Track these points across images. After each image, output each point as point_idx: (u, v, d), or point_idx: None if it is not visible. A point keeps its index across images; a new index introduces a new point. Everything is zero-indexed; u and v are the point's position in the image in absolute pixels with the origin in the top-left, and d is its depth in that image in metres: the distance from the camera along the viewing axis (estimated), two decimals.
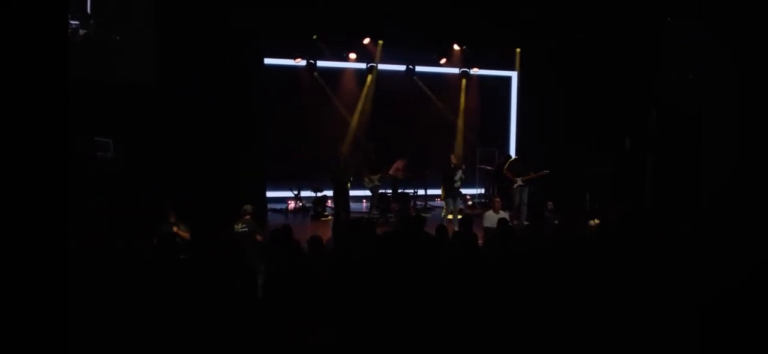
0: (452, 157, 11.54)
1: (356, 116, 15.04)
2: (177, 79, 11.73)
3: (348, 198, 12.05)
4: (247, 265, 8.09)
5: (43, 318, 2.84)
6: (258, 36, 12.79)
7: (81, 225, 8.96)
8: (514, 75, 16.61)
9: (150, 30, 11.51)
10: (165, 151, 11.49)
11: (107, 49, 11.49)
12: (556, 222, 10.26)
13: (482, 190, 15.52)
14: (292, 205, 14.15)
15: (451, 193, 11.48)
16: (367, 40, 14.26)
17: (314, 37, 13.71)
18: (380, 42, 14.32)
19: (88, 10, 11.44)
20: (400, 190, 14.70)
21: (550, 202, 10.53)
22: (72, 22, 11.30)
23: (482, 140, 15.82)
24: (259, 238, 8.69)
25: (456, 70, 15.79)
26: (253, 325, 5.59)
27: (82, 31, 11.32)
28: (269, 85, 13.73)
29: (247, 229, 8.77)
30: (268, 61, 13.83)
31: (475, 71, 15.79)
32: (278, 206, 14.02)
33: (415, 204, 14.58)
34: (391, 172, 14.30)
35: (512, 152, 16.45)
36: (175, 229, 8.90)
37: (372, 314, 5.88)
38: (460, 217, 10.56)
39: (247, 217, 9.01)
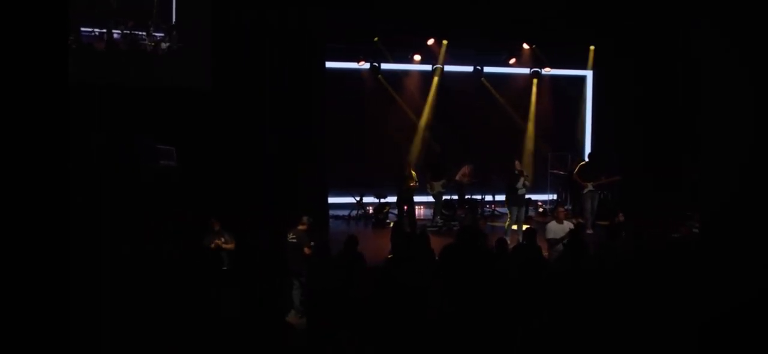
0: (516, 163, 10.89)
1: (424, 120, 14.60)
2: (236, 85, 11.70)
3: (413, 208, 11.48)
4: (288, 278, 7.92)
5: (44, 320, 2.85)
6: (319, 39, 12.61)
7: (130, 230, 9.00)
8: (589, 74, 15.73)
9: (209, 36, 11.53)
10: (223, 158, 11.45)
11: (180, 58, 11.63)
12: (623, 234, 9.47)
13: (554, 196, 14.75)
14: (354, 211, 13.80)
15: (515, 202, 10.82)
16: (431, 41, 13.79)
17: (375, 39, 13.38)
18: (445, 42, 13.82)
19: (173, 21, 11.60)
20: (467, 196, 14.18)
21: (620, 213, 9.71)
22: (156, 34, 11.48)
23: (554, 143, 15.00)
24: (307, 251, 8.40)
25: (526, 71, 15.09)
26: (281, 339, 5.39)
27: (164, 45, 11.47)
28: (331, 89, 13.53)
29: (296, 241, 8.50)
30: (330, 64, 13.63)
31: (547, 71, 15.00)
32: (341, 213, 13.75)
33: (482, 211, 14.01)
34: (457, 177, 13.79)
35: (587, 157, 15.60)
36: (218, 240, 8.79)
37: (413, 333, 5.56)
38: (526, 227, 9.94)
39: (302, 227, 8.73)
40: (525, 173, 10.72)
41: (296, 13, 11.95)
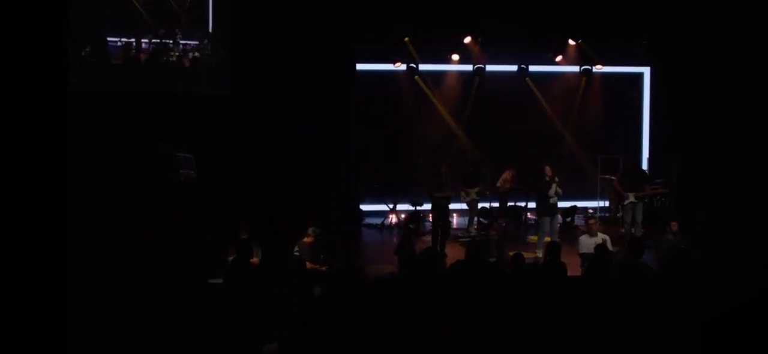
0: (547, 168, 9.96)
1: (462, 123, 13.86)
2: (255, 89, 11.35)
3: (448, 219, 10.69)
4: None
5: (45, 320, 2.94)
6: (347, 39, 12.11)
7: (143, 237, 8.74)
8: (646, 71, 14.53)
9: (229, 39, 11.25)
10: (241, 163, 11.11)
11: (209, 66, 11.42)
12: (683, 247, 8.43)
13: (606, 203, 13.66)
14: (393, 219, 13.12)
15: (546, 211, 9.88)
16: (468, 40, 12.97)
17: (406, 39, 12.72)
18: (479, 39, 12.98)
19: (210, 29, 11.39)
20: (510, 204, 13.34)
21: (674, 223, 8.66)
22: (189, 42, 11.30)
23: (606, 146, 13.80)
24: (309, 265, 7.84)
25: (576, 68, 14.03)
26: None
27: (191, 55, 11.27)
28: (367, 92, 13.09)
29: (299, 254, 7.98)
30: (365, 66, 13.16)
31: (598, 68, 13.86)
32: (375, 221, 13.17)
33: (526, 218, 13.14)
34: (498, 184, 12.98)
35: (644, 161, 14.42)
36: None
37: None
38: (548, 239, 9.04)
39: (307, 239, 8.20)
40: (557, 180, 9.76)
41: (321, 14, 11.48)
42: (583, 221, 13.12)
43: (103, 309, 6.22)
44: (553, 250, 7.19)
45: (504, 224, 12.85)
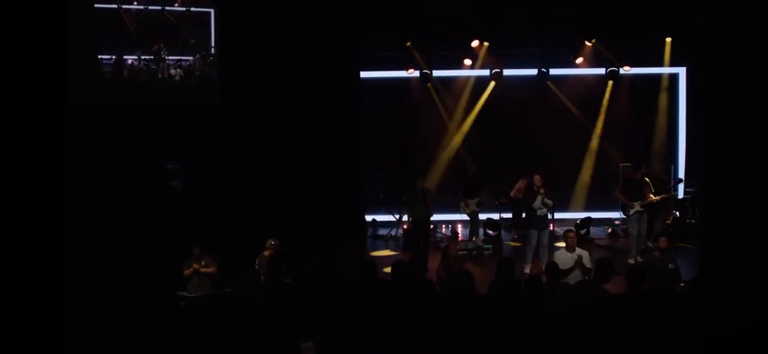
0: (536, 177, 9.28)
1: (464, 131, 13.30)
2: (255, 95, 11.20)
3: (428, 235, 10.27)
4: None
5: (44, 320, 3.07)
6: (349, 43, 11.79)
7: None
8: (681, 71, 13.44)
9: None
10: (241, 174, 10.98)
11: (203, 78, 11.39)
12: (671, 266, 7.60)
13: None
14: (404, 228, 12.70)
15: (532, 224, 9.21)
16: (475, 43, 12.36)
17: (408, 43, 12.29)
18: (485, 44, 12.32)
19: (212, 44, 11.36)
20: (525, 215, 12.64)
21: (662, 239, 7.84)
22: (185, 58, 11.30)
23: (631, 153, 12.73)
24: (263, 278, 7.62)
25: (602, 71, 13.11)
26: None
27: (183, 71, 11.28)
28: (375, 100, 12.72)
29: (257, 268, 7.76)
30: (375, 74, 12.84)
31: (626, 70, 12.90)
32: (382, 231, 12.82)
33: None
34: (512, 193, 12.32)
35: (681, 170, 13.34)
36: (196, 264, 8.14)
37: None
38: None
39: (266, 252, 7.96)
40: (544, 190, 9.08)
41: (319, 19, 11.21)
42: (604, 234, 12.38)
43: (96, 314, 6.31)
44: (503, 267, 6.62)
45: (515, 236, 12.21)
